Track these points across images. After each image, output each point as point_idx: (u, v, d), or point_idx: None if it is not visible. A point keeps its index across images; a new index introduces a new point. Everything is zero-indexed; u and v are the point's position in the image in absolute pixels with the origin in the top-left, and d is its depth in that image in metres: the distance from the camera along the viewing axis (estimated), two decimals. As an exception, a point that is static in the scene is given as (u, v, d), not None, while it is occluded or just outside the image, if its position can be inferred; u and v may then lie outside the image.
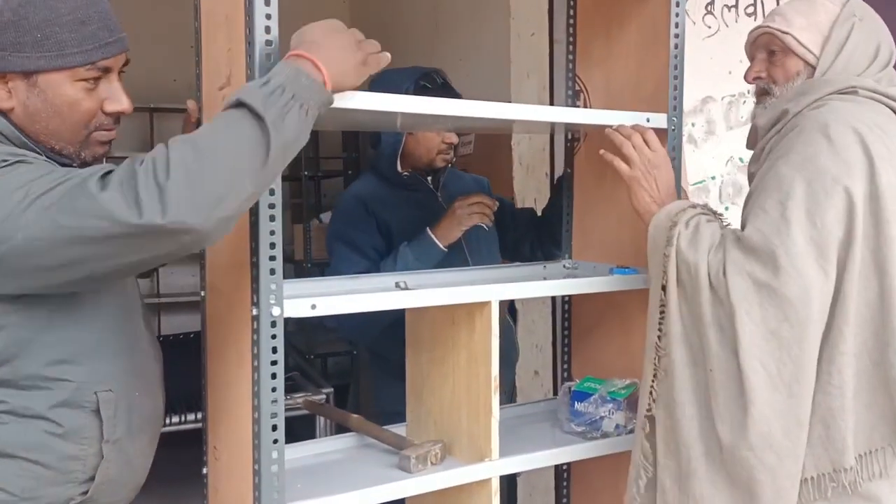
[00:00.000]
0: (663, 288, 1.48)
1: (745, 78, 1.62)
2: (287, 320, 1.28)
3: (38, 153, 1.23)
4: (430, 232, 1.98)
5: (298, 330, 4.76)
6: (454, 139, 2.15)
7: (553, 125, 1.96)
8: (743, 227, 1.44)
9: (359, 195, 2.15)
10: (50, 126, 1.23)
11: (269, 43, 1.24)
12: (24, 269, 1.12)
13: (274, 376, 1.27)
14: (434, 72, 2.11)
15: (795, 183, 1.36)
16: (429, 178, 2.19)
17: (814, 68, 1.51)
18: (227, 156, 1.08)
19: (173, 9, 4.51)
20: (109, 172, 1.10)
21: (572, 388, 1.78)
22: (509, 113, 1.62)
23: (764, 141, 1.53)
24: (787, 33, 1.52)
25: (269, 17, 1.24)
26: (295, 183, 5.10)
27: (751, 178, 1.56)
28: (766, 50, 1.56)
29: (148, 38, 4.12)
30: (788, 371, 1.32)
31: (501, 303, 2.19)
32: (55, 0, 1.19)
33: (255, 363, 1.27)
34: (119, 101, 1.27)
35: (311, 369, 4.31)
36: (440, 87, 2.07)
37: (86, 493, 1.26)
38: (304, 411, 3.30)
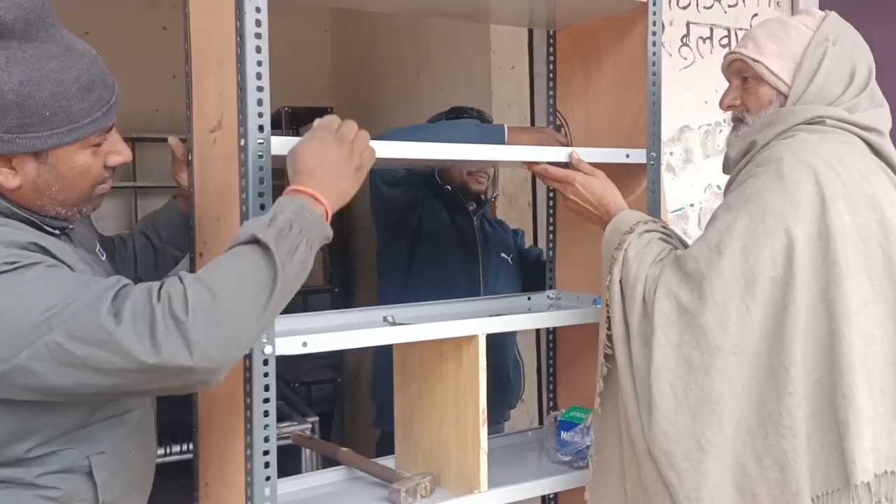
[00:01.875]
0: (608, 287, 1.51)
1: (720, 105, 1.60)
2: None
3: (37, 225, 1.19)
4: (506, 126, 1.99)
5: (283, 358, 4.76)
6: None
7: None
8: None
9: None
10: (59, 196, 1.19)
11: (260, 89, 1.27)
12: (24, 386, 1.07)
13: (266, 414, 1.29)
14: (468, 108, 2.30)
15: (739, 216, 1.36)
16: (470, 208, 2.32)
17: (786, 97, 1.49)
18: (242, 298, 1.08)
19: (155, 39, 4.56)
20: (121, 289, 1.07)
21: (558, 418, 1.80)
22: (494, 154, 1.65)
23: (735, 172, 1.54)
24: (757, 62, 1.50)
25: (260, 63, 1.27)
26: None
27: None
28: (740, 76, 1.55)
29: (130, 67, 4.15)
30: (694, 396, 1.34)
31: (510, 338, 2.31)
32: (58, 72, 1.13)
33: (248, 400, 1.29)
34: (121, 153, 1.24)
35: (295, 397, 4.31)
36: (474, 118, 2.19)
37: None
38: (291, 441, 3.32)
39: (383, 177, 2.19)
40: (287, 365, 4.91)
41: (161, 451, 3.24)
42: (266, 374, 1.29)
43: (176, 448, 3.26)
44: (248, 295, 1.09)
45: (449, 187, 2.31)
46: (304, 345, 1.35)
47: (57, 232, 1.23)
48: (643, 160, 1.71)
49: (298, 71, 5.15)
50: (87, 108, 1.16)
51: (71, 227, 1.27)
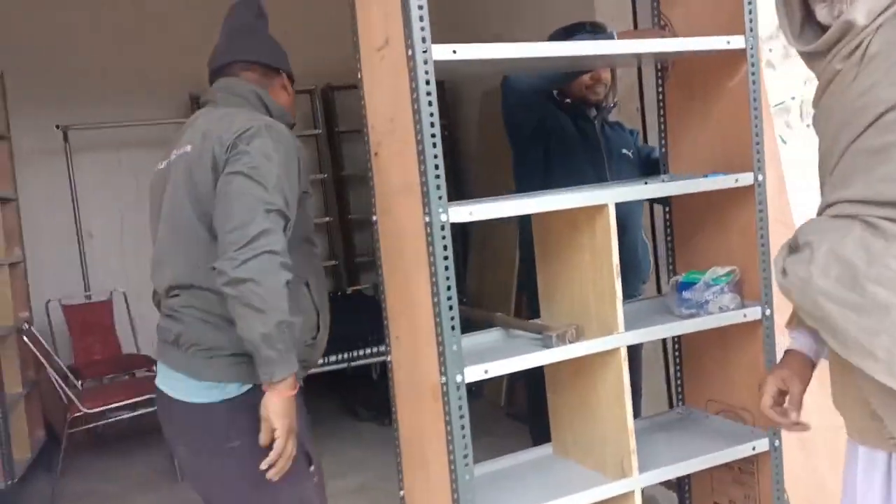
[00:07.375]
0: None
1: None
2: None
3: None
4: (615, 32, 2.24)
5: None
6: (599, 76, 2.58)
7: (641, 57, 2.24)
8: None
9: None
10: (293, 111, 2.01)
11: (420, 7, 1.58)
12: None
13: (447, 269, 1.61)
14: (584, 22, 2.59)
15: None
16: (592, 115, 2.64)
17: None
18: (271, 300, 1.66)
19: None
20: (270, 211, 1.67)
21: (679, 281, 2.07)
22: (606, 48, 1.91)
23: (859, 34, 1.36)
24: None
25: (420, -18, 1.57)
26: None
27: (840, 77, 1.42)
28: None
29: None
30: None
31: (635, 223, 2.64)
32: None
33: (432, 258, 1.61)
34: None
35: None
36: (590, 32, 2.47)
37: (314, 337, 1.87)
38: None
39: (520, 101, 2.52)
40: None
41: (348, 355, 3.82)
42: (443, 238, 1.60)
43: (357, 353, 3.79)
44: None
45: (569, 101, 2.61)
46: (471, 214, 1.65)
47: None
48: (742, 45, 1.93)
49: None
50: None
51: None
